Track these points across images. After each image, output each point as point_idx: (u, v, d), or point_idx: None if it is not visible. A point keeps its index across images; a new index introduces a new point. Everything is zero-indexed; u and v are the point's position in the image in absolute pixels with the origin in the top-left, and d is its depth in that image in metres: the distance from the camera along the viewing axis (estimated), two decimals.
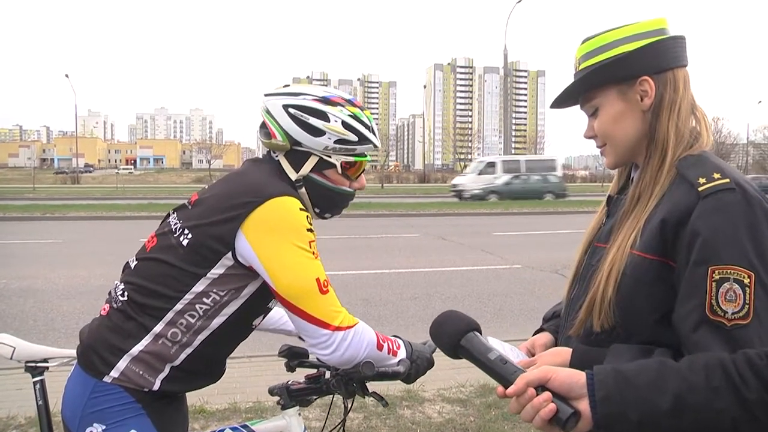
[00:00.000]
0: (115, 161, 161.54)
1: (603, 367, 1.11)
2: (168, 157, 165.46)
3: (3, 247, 12.89)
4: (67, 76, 60.40)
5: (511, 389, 1.12)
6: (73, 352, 2.01)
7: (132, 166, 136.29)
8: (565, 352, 1.33)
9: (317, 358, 1.80)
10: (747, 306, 1.10)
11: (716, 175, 1.19)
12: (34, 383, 2.02)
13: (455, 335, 1.23)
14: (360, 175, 1.87)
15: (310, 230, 1.65)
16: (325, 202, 1.84)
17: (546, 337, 1.53)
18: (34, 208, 23.26)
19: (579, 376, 1.10)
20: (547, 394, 1.09)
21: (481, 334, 1.25)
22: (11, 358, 2.01)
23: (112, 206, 24.17)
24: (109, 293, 1.78)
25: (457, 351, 1.24)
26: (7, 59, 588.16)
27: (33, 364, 2.03)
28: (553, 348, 1.42)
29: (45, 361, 2.04)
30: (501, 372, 1.16)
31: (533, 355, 1.45)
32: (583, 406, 1.08)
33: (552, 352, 1.36)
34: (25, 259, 11.26)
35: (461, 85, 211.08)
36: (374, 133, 1.82)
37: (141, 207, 23.27)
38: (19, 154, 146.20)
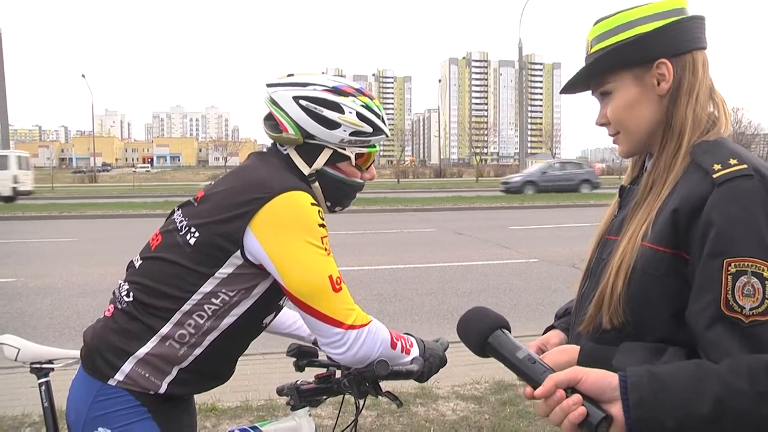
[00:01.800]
0: (132, 160, 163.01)
1: (636, 369, 1.04)
2: (184, 155, 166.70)
3: (22, 246, 13.04)
4: (83, 76, 60.93)
5: (539, 390, 1.06)
6: (78, 353, 1.99)
7: (149, 165, 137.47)
8: (572, 350, 1.27)
9: (327, 357, 1.75)
10: (767, 301, 1.02)
11: (732, 161, 1.12)
12: (40, 385, 2.01)
13: (483, 333, 1.18)
14: (370, 165, 1.82)
15: (322, 225, 1.59)
16: (338, 195, 1.79)
17: (558, 336, 1.46)
18: (52, 207, 23.48)
19: (611, 378, 1.04)
20: (576, 397, 1.03)
21: (510, 331, 1.20)
22: (16, 360, 1.99)
23: (129, 204, 24.33)
24: (114, 293, 1.73)
25: (484, 349, 1.19)
26: (25, 61, 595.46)
27: (38, 366, 2.01)
28: (560, 345, 1.37)
29: (50, 362, 2.02)
30: (529, 372, 1.11)
31: (542, 353, 1.39)
32: (616, 410, 1.02)
33: (559, 350, 1.31)
34: (42, 258, 11.37)
35: (476, 79, 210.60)
36: (384, 122, 1.77)
37: (157, 205, 23.40)
38: (39, 155, 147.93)
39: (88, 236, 14.89)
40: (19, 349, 1.98)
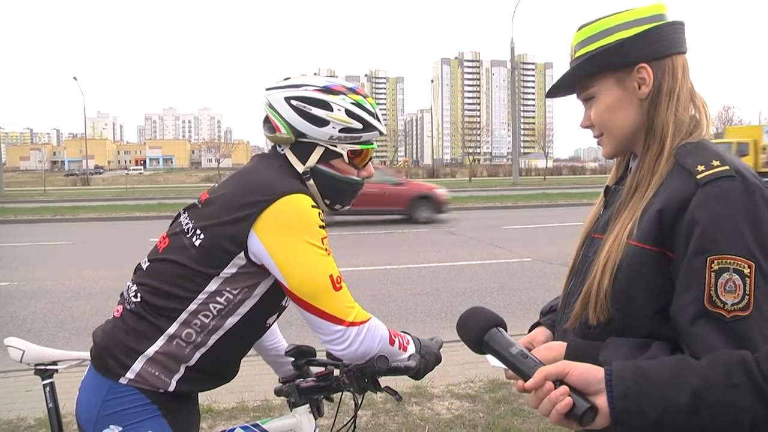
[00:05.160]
0: (125, 162, 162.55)
1: (621, 363, 1.09)
2: (177, 156, 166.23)
3: (14, 249, 13.00)
4: (75, 78, 60.63)
5: (529, 383, 1.12)
6: (82, 355, 2.02)
7: (141, 167, 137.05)
8: (559, 347, 1.30)
9: (327, 355, 1.80)
10: (747, 297, 1.07)
11: (715, 163, 1.16)
12: (44, 386, 2.03)
13: (480, 331, 1.23)
14: (367, 163, 1.86)
15: (322, 227, 1.64)
16: (334, 192, 1.82)
17: (543, 333, 1.50)
18: (44, 210, 23.43)
19: (597, 371, 1.08)
20: (564, 388, 1.08)
21: (506, 330, 1.25)
22: (21, 361, 2.01)
23: (122, 207, 24.30)
24: (122, 294, 1.78)
25: (481, 346, 1.24)
26: (16, 63, 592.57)
27: (42, 367, 2.03)
28: (548, 343, 1.40)
29: (54, 363, 2.04)
30: (521, 366, 1.17)
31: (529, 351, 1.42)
32: (601, 401, 1.06)
33: (546, 347, 1.34)
34: (36, 261, 11.35)
35: (469, 79, 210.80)
36: (378, 120, 1.81)
37: (150, 207, 23.38)
38: (30, 157, 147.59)
39: (81, 239, 14.86)
40: (23, 351, 2.01)
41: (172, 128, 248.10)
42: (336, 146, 1.76)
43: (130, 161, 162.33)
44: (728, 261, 1.08)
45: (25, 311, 7.44)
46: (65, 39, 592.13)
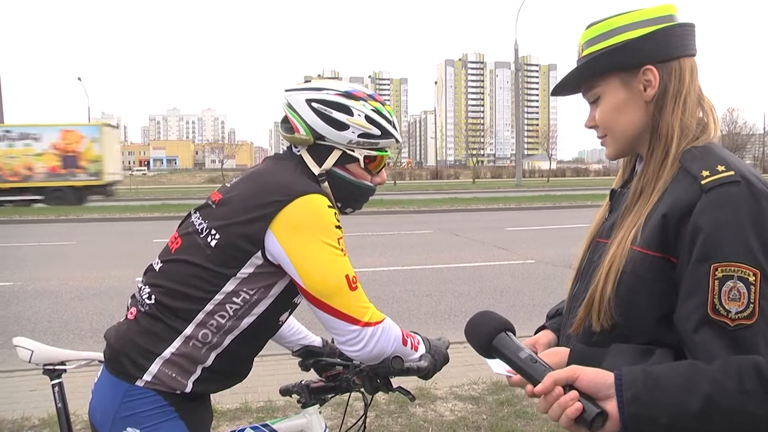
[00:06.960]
0: (129, 163, 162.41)
1: (631, 368, 1.08)
2: (181, 157, 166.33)
3: (18, 250, 13.02)
4: (80, 79, 60.58)
5: (538, 387, 1.11)
6: (91, 355, 2.03)
7: (145, 168, 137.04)
8: (562, 352, 1.30)
9: (339, 356, 1.80)
10: (752, 305, 1.05)
11: (720, 168, 1.14)
12: (53, 386, 2.04)
13: (489, 335, 1.23)
14: (381, 169, 1.87)
15: (338, 227, 1.65)
16: (347, 196, 1.84)
17: (548, 336, 1.49)
18: (48, 210, 23.44)
19: (607, 376, 1.07)
20: (573, 393, 1.07)
21: (514, 334, 1.25)
22: (29, 361, 2.02)
23: (126, 207, 24.29)
24: (133, 296, 1.78)
25: (489, 350, 1.24)
26: (21, 64, 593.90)
27: (51, 367, 2.04)
28: (551, 348, 1.40)
29: (63, 363, 2.05)
30: (530, 371, 1.16)
31: None
32: (611, 406, 1.06)
33: (550, 352, 1.33)
34: (39, 261, 11.35)
35: (472, 81, 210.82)
36: (395, 128, 1.83)
37: (154, 208, 23.37)
38: None
39: (85, 239, 14.87)
40: (32, 351, 2.01)
41: (176, 129, 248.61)
42: (353, 151, 1.78)
43: (133, 162, 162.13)
44: (732, 269, 1.07)
45: (29, 311, 7.45)
46: (70, 40, 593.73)
